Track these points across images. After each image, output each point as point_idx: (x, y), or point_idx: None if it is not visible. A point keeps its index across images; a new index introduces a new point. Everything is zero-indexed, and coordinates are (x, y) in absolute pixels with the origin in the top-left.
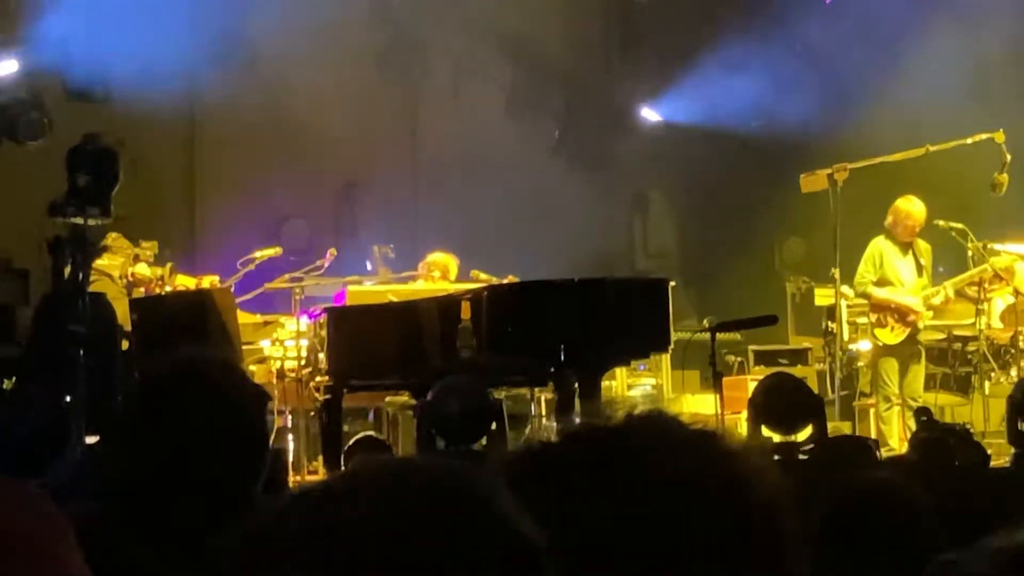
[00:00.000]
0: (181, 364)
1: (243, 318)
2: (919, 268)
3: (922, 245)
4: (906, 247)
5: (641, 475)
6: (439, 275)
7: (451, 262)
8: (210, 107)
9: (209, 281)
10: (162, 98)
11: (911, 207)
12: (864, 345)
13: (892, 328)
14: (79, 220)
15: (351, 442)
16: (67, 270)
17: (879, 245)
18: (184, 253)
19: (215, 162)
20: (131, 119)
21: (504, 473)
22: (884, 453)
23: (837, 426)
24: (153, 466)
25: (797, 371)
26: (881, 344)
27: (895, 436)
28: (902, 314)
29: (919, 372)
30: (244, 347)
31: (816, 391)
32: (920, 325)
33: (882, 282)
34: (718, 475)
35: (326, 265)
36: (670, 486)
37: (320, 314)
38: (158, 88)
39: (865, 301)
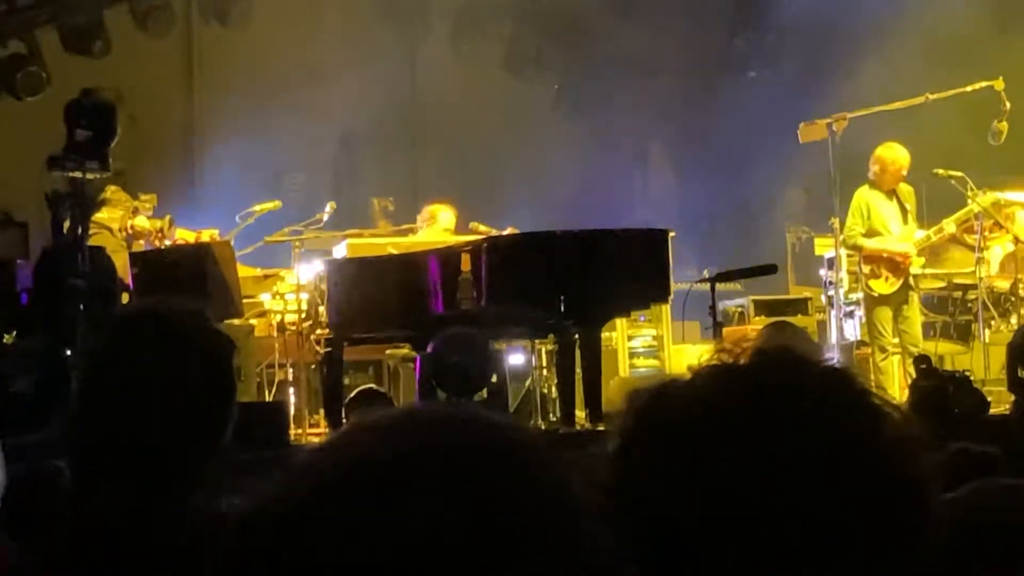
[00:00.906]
0: (145, 310)
1: (243, 272)
2: (904, 213)
3: (905, 189)
4: (890, 194)
5: (778, 412)
6: (433, 222)
7: (446, 211)
8: (208, 59)
9: (209, 235)
10: (161, 50)
11: (896, 154)
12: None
13: (886, 278)
14: (78, 174)
15: (352, 395)
16: (66, 224)
17: (864, 196)
18: (183, 207)
19: (214, 115)
20: (129, 73)
21: (630, 413)
22: None
23: None
24: (115, 413)
25: (797, 321)
26: (876, 295)
27: (895, 385)
28: (894, 264)
29: (915, 318)
30: (244, 300)
31: (817, 341)
32: (913, 271)
33: (871, 232)
34: (853, 412)
35: (325, 218)
36: (807, 422)
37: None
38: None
39: (856, 253)
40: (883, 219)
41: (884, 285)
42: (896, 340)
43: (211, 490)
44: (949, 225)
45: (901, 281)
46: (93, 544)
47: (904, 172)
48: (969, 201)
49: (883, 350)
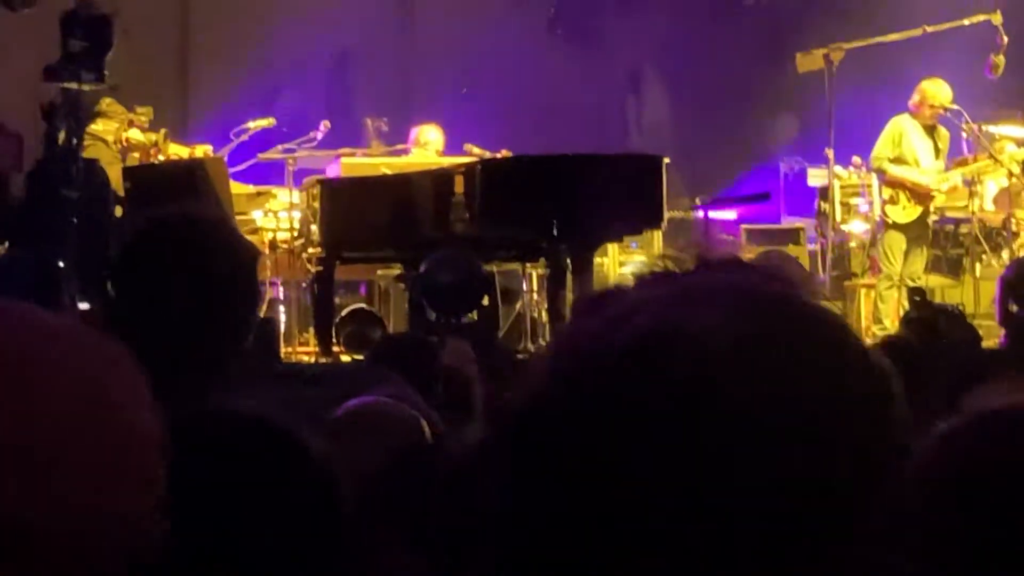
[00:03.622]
0: (172, 218)
1: (236, 189)
2: (937, 151)
3: (942, 131)
4: (928, 129)
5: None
6: (422, 143)
7: (433, 131)
8: None
9: (202, 151)
10: None
11: (938, 89)
12: (857, 226)
13: (904, 207)
14: (73, 85)
15: (342, 314)
16: (61, 135)
17: (900, 123)
18: (177, 123)
19: (208, 32)
20: None
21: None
22: (877, 331)
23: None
24: (141, 318)
25: (789, 250)
26: (891, 221)
27: (891, 316)
28: (916, 194)
29: (922, 254)
30: (237, 218)
31: (808, 270)
32: (932, 207)
33: (899, 161)
34: (833, 333)
35: (319, 137)
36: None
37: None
38: None
39: (861, 183)
40: (914, 150)
41: (900, 213)
42: (899, 271)
43: (234, 390)
44: (950, 180)
45: (919, 212)
46: None
47: (941, 108)
48: (964, 135)
49: (889, 279)
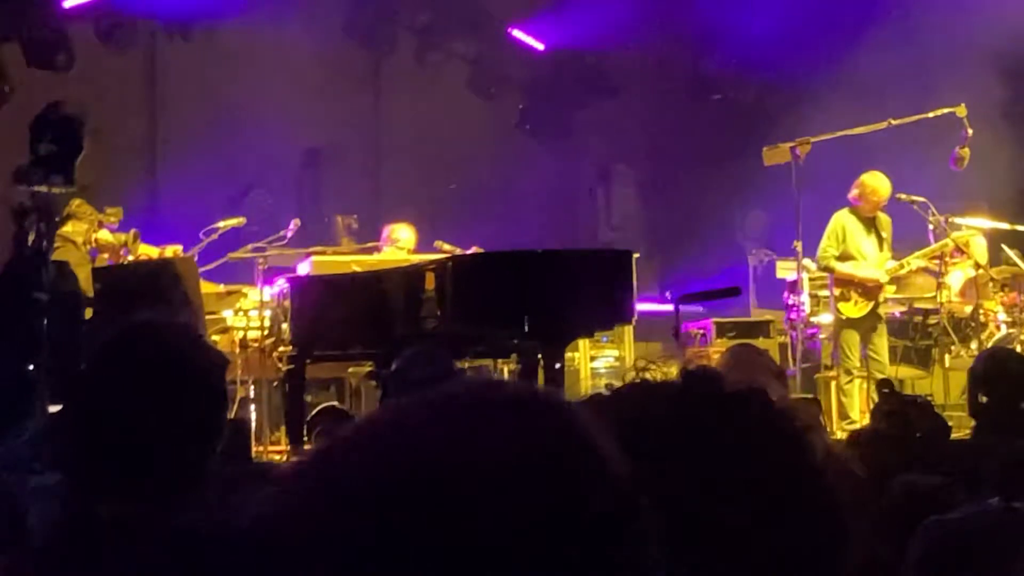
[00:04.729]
0: (138, 327)
1: (206, 288)
2: (880, 242)
3: (883, 219)
4: (869, 221)
5: (699, 431)
6: (393, 241)
7: (405, 230)
8: (172, 74)
9: (172, 250)
10: (124, 65)
11: (877, 182)
12: (826, 318)
13: (856, 302)
14: (43, 188)
15: (314, 412)
16: (31, 238)
17: (842, 219)
18: (147, 223)
19: (177, 131)
20: (92, 87)
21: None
22: (845, 425)
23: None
24: (110, 429)
25: (759, 343)
26: (844, 318)
27: (856, 408)
28: (866, 288)
29: (883, 344)
30: (207, 317)
31: (779, 363)
32: (882, 298)
33: (844, 256)
34: (775, 434)
35: (289, 235)
36: (729, 441)
37: (283, 292)
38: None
39: (827, 274)
40: (858, 244)
41: (853, 309)
42: (859, 365)
43: (205, 500)
44: (916, 261)
45: (870, 306)
46: (85, 551)
47: (883, 201)
48: (931, 226)
49: (848, 373)
